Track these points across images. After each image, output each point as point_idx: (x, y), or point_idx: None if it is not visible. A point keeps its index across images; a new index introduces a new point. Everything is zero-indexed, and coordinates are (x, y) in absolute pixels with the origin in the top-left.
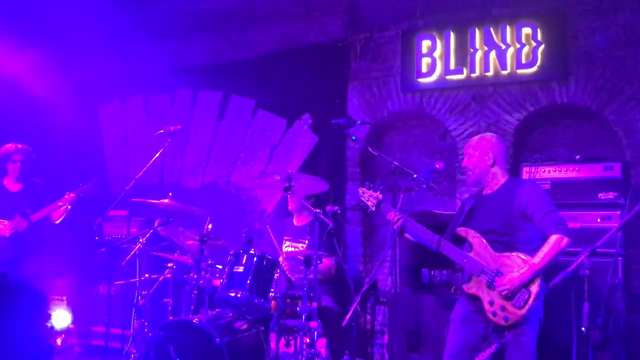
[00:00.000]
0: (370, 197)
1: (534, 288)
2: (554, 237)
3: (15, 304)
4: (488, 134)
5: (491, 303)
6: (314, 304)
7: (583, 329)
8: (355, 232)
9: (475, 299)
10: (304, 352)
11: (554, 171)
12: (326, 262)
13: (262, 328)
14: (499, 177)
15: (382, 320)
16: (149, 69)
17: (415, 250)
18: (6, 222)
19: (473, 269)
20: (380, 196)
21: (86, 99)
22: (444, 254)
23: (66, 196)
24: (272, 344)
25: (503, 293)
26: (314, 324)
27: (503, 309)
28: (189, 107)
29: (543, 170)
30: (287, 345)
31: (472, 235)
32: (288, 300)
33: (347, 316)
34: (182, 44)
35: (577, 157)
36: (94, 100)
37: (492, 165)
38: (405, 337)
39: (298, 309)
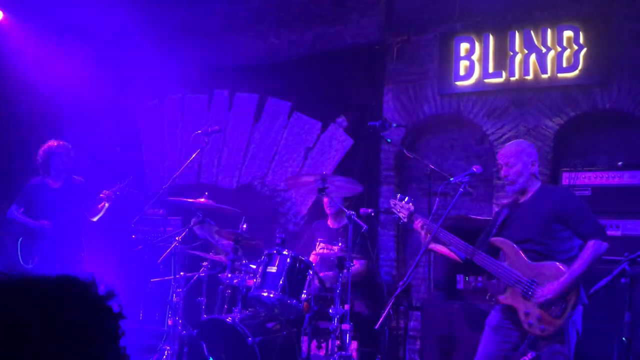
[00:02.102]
0: (402, 208)
1: (572, 297)
2: (591, 243)
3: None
4: (523, 141)
5: (527, 314)
6: (347, 307)
7: (624, 339)
8: (388, 236)
9: (510, 310)
10: (335, 354)
11: (594, 177)
12: (357, 265)
13: (294, 329)
14: (535, 185)
15: (415, 325)
16: (187, 69)
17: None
18: (47, 222)
19: (508, 279)
20: (412, 207)
21: (125, 97)
22: (478, 264)
23: (103, 194)
24: (304, 346)
25: (541, 302)
26: (346, 326)
27: (539, 319)
28: (225, 108)
29: (583, 176)
30: (319, 347)
31: (507, 245)
32: (320, 302)
33: (380, 319)
34: (220, 44)
35: (619, 163)
36: (133, 99)
37: (534, 173)
38: (438, 343)
39: (330, 311)
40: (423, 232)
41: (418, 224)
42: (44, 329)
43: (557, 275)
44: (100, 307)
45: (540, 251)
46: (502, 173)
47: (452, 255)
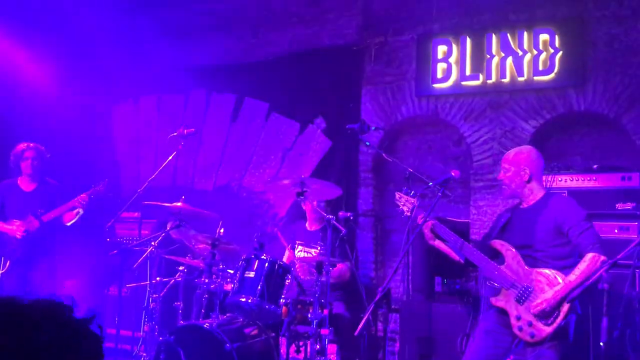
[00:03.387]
0: (406, 202)
1: (565, 307)
2: (589, 255)
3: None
4: (525, 148)
5: (518, 318)
6: (325, 311)
7: (601, 343)
8: (367, 238)
9: (502, 313)
10: (315, 358)
11: (570, 180)
12: (340, 267)
13: (273, 334)
14: (536, 192)
15: (394, 327)
16: (163, 70)
17: (429, 258)
18: (18, 222)
19: (503, 282)
20: (416, 202)
21: (99, 99)
22: (476, 264)
23: (78, 197)
24: (283, 350)
25: (536, 312)
26: (324, 331)
27: (530, 324)
28: (202, 108)
29: (559, 179)
30: (298, 351)
31: (506, 248)
32: (299, 307)
33: (360, 325)
34: (196, 44)
35: (595, 166)
36: (107, 101)
37: (528, 181)
38: (417, 345)
39: (309, 315)
40: (426, 230)
41: (420, 218)
42: (17, 350)
43: (553, 284)
44: (79, 330)
45: (538, 257)
46: (499, 176)
47: (454, 255)
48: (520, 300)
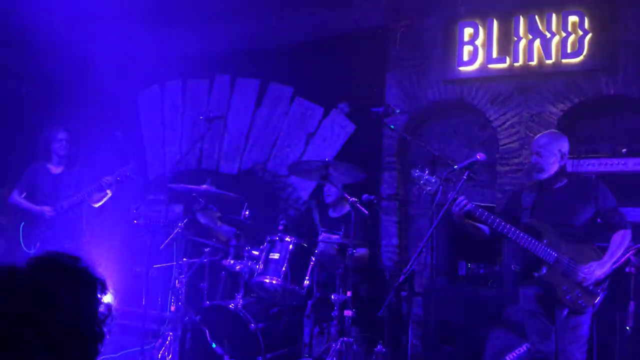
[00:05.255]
0: (427, 181)
1: (607, 278)
2: (622, 231)
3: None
4: (559, 134)
5: (566, 290)
6: (349, 293)
7: (628, 328)
8: (390, 223)
9: (543, 289)
10: (338, 340)
11: (598, 164)
12: (360, 252)
13: (297, 315)
14: (564, 174)
15: (417, 311)
16: (188, 54)
17: (453, 242)
18: (48, 208)
19: (548, 257)
20: (440, 180)
21: (126, 82)
22: (517, 241)
23: (105, 180)
24: (306, 331)
25: (592, 282)
26: (347, 312)
27: (579, 295)
28: (227, 93)
29: (587, 163)
30: (321, 333)
31: (545, 228)
32: (323, 289)
33: (383, 306)
34: (221, 29)
35: (624, 150)
36: (134, 85)
37: (565, 165)
38: (440, 329)
39: (332, 297)
40: (456, 209)
41: (451, 196)
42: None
43: (595, 257)
44: (71, 272)
45: (574, 235)
46: (533, 160)
47: (479, 231)
48: (566, 273)
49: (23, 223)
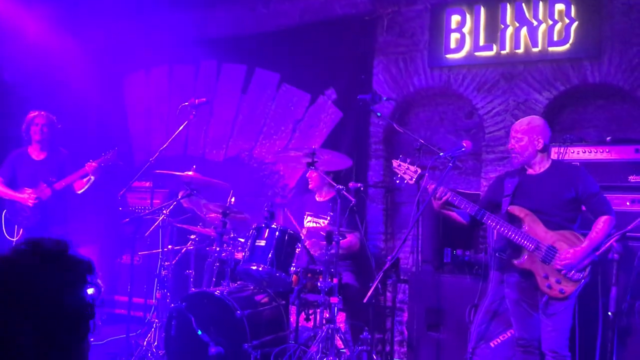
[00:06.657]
0: (407, 170)
1: (587, 263)
2: (604, 217)
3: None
4: (537, 118)
5: (546, 277)
6: (335, 280)
7: (610, 313)
8: (377, 210)
9: (525, 277)
10: (324, 326)
11: (583, 152)
12: (350, 238)
13: (283, 302)
14: (545, 160)
15: (403, 297)
16: (174, 40)
17: (439, 229)
18: (30, 190)
19: (528, 244)
20: (419, 170)
21: (111, 69)
22: (499, 229)
23: (88, 165)
24: (292, 318)
25: (565, 265)
26: (334, 299)
27: (559, 282)
28: (213, 79)
29: (572, 151)
30: (307, 319)
31: (525, 213)
32: (309, 275)
33: (369, 293)
34: (207, 14)
35: (608, 138)
36: (119, 71)
37: (542, 150)
38: (425, 315)
39: (319, 284)
40: (435, 200)
41: (430, 186)
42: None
43: (575, 242)
44: (55, 258)
45: (555, 222)
46: (509, 145)
47: (458, 218)
48: (546, 260)
49: (5, 210)
